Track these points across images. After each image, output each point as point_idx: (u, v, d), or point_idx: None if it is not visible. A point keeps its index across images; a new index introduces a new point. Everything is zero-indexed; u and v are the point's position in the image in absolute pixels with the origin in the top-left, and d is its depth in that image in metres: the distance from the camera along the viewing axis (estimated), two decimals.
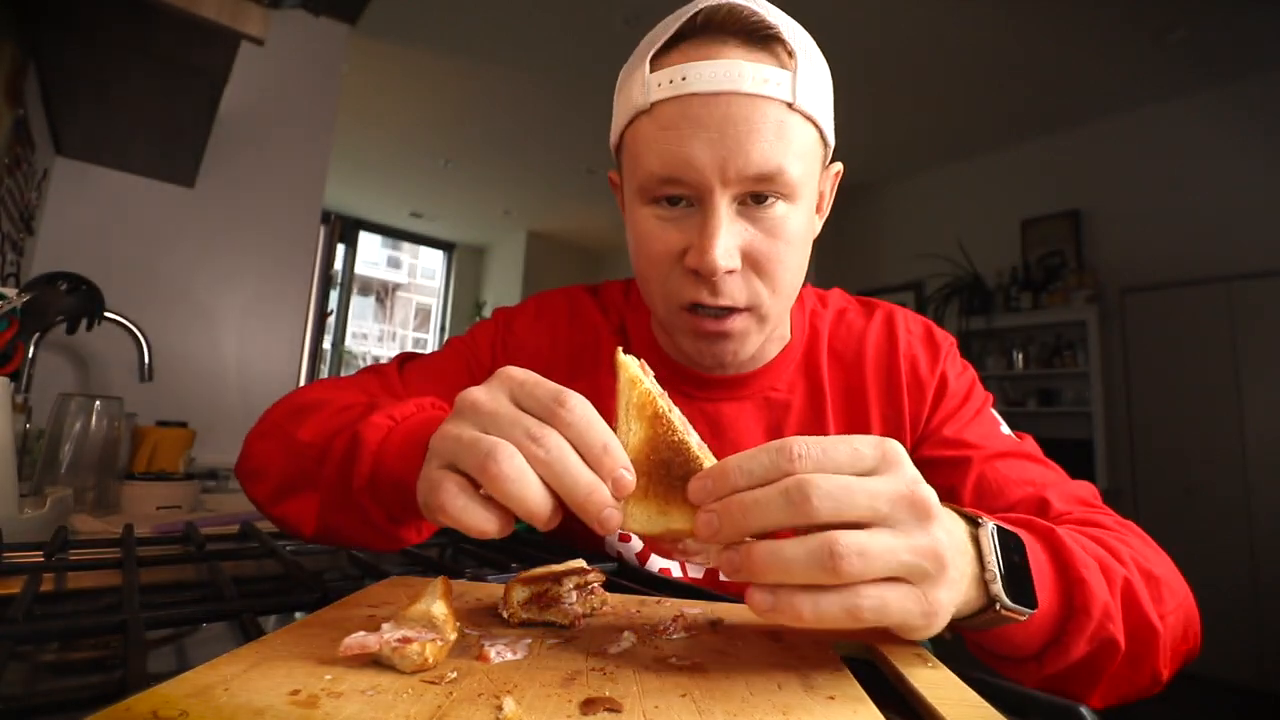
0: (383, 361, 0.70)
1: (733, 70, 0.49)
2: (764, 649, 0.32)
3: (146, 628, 0.32)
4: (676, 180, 0.51)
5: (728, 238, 0.50)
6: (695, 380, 0.64)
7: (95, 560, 0.48)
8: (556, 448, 0.31)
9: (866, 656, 0.32)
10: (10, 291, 0.95)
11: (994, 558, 0.34)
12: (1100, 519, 0.53)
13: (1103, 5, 2.78)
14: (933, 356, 0.64)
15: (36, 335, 1.21)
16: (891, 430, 0.62)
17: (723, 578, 0.31)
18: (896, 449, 0.30)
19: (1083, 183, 3.80)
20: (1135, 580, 0.43)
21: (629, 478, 0.32)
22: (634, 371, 0.34)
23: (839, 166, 0.62)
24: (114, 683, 0.26)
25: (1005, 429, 0.63)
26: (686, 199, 0.52)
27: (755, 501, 0.28)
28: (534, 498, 0.30)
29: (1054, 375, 3.78)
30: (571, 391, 0.33)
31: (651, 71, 0.52)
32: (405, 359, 0.68)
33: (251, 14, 0.88)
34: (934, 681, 0.27)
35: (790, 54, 0.51)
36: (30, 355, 1.26)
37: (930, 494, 0.30)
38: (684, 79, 0.50)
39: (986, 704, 0.25)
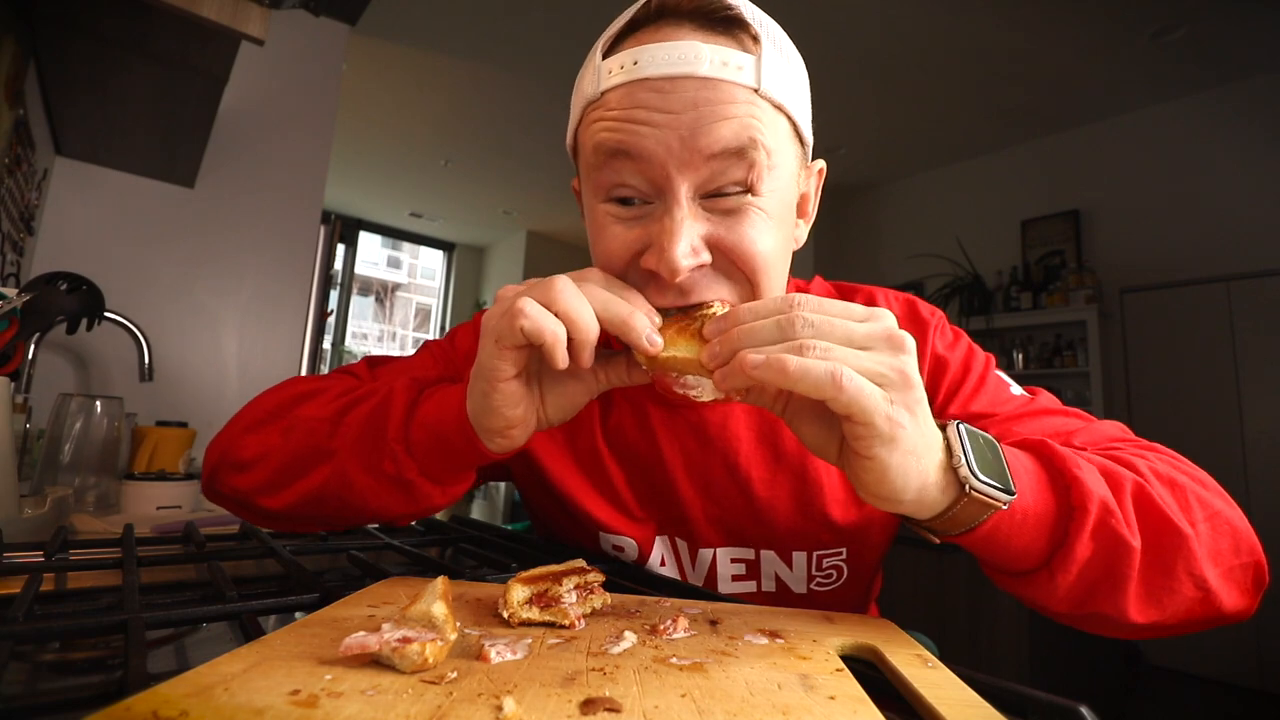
0: None
1: (688, 52, 0.44)
2: (764, 649, 0.32)
3: (146, 628, 0.32)
4: (630, 171, 0.46)
5: (690, 233, 0.44)
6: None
7: (95, 560, 0.48)
8: (600, 286, 0.43)
9: (866, 657, 0.32)
10: (10, 291, 0.95)
11: (959, 444, 0.38)
12: (1127, 449, 0.50)
13: (1103, 5, 2.78)
14: (920, 336, 0.60)
15: (36, 335, 1.21)
16: None
17: (715, 379, 0.38)
18: (888, 318, 0.37)
19: (1082, 183, 3.80)
20: (1154, 488, 0.42)
21: (656, 318, 0.43)
22: None
23: (821, 164, 0.57)
24: (114, 683, 0.26)
25: (1016, 388, 0.60)
26: (644, 197, 0.47)
27: (750, 329, 0.37)
28: (588, 314, 0.40)
29: (1054, 375, 3.77)
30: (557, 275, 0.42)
31: (604, 59, 0.47)
32: (374, 361, 0.68)
33: (251, 14, 0.88)
34: (934, 681, 0.27)
35: (754, 39, 0.46)
36: (30, 355, 1.26)
37: (905, 334, 0.37)
38: (635, 63, 0.45)
39: (986, 704, 0.25)
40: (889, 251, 4.70)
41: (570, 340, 0.40)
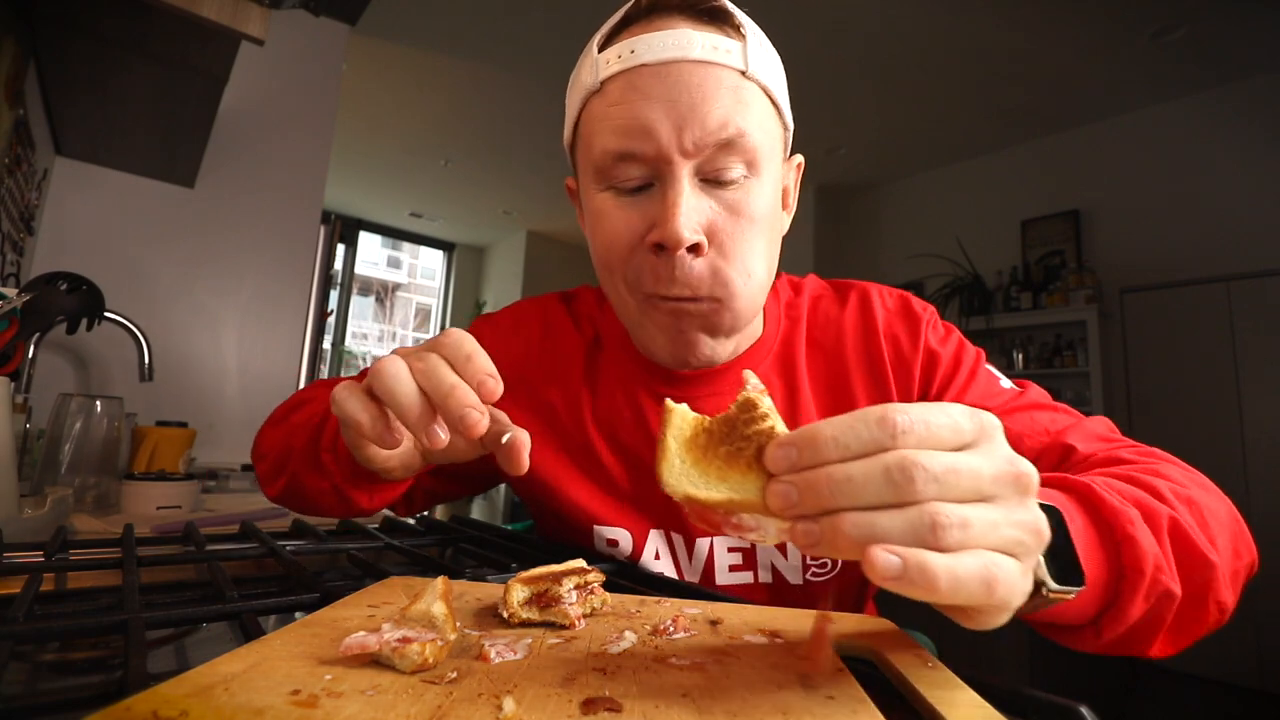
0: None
1: (681, 39, 0.47)
2: (764, 648, 0.32)
3: (146, 628, 0.32)
4: (632, 154, 0.48)
5: (691, 209, 0.47)
6: (671, 379, 0.62)
7: (95, 560, 0.48)
8: (432, 358, 0.36)
9: (866, 656, 0.32)
10: (10, 291, 0.95)
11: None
12: (1125, 455, 0.50)
13: (1103, 5, 2.78)
14: (913, 331, 0.61)
15: (36, 335, 1.21)
16: None
17: (794, 546, 0.27)
18: (992, 421, 0.27)
19: (1082, 183, 3.80)
20: (1181, 516, 0.40)
21: (493, 384, 0.36)
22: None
23: (800, 159, 0.60)
24: (114, 683, 0.26)
25: (1005, 382, 0.61)
26: (645, 181, 0.49)
27: (850, 478, 0.25)
28: (404, 391, 0.36)
29: (1054, 375, 3.77)
30: (452, 328, 0.39)
31: (600, 52, 0.50)
32: None
33: (251, 14, 0.88)
34: (934, 681, 0.27)
35: (738, 28, 0.49)
36: (30, 355, 1.26)
37: (1031, 469, 0.27)
38: (633, 52, 0.47)
39: (986, 704, 0.25)
40: (889, 251, 4.70)
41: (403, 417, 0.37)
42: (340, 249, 5.19)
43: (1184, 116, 3.46)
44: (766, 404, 0.29)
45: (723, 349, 0.56)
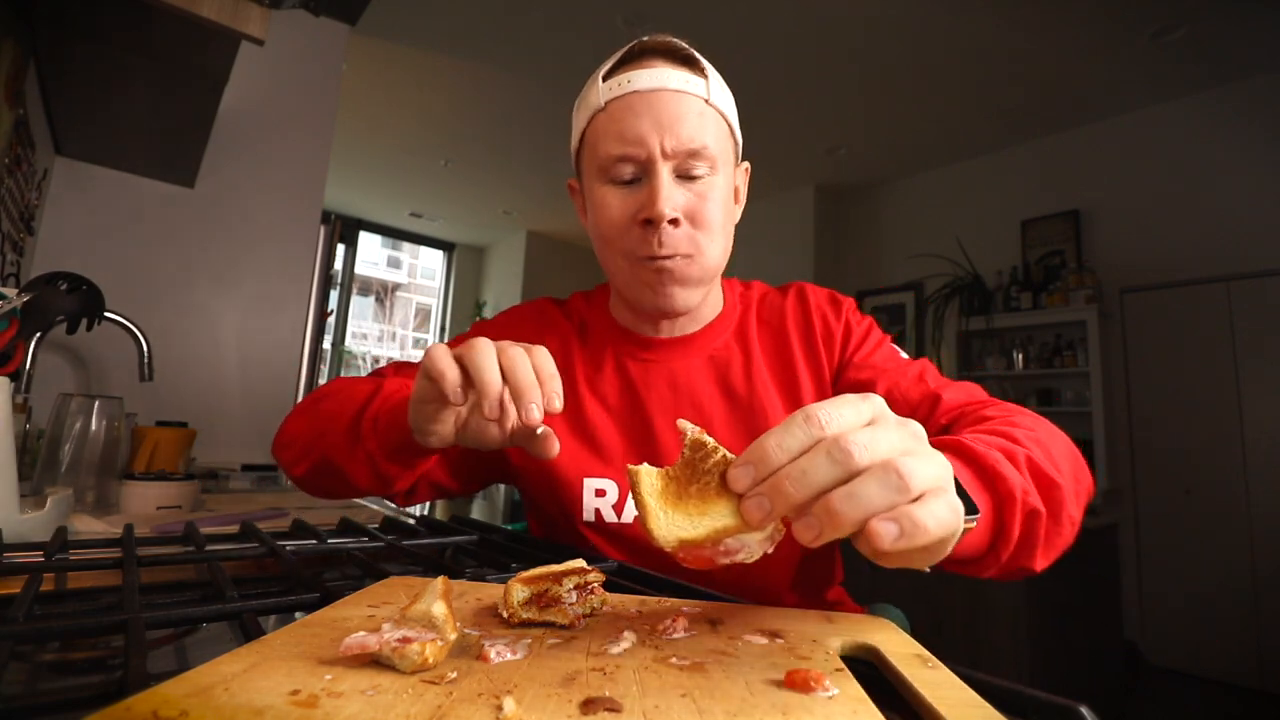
0: (381, 362, 0.81)
1: (662, 75, 0.65)
2: (764, 649, 0.32)
3: (146, 628, 0.32)
4: (628, 157, 0.65)
5: (670, 194, 0.64)
6: (649, 345, 0.76)
7: (95, 560, 0.48)
8: (520, 356, 0.46)
9: (866, 657, 0.32)
10: (10, 291, 0.95)
11: None
12: (988, 413, 0.63)
13: (1103, 5, 2.78)
14: (837, 312, 0.78)
15: (36, 335, 1.21)
16: (816, 377, 0.75)
17: (808, 542, 0.31)
18: (879, 400, 0.34)
19: (1082, 183, 3.80)
20: (1034, 452, 0.51)
21: (558, 403, 0.46)
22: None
23: (747, 165, 0.77)
24: (114, 683, 0.26)
25: (904, 355, 0.77)
26: (636, 176, 0.66)
27: (804, 471, 0.31)
28: (489, 368, 0.45)
29: (1054, 375, 3.78)
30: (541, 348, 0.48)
31: (604, 81, 0.67)
32: (399, 366, 0.80)
33: (251, 14, 0.88)
34: (934, 681, 0.27)
35: (702, 70, 0.68)
36: (30, 355, 1.26)
37: (919, 426, 0.35)
38: (629, 82, 0.65)
39: (986, 704, 0.25)
40: (889, 251, 4.69)
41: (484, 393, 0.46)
42: (340, 249, 5.19)
43: (1184, 116, 3.46)
44: (711, 440, 0.34)
45: (693, 297, 0.70)
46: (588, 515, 0.71)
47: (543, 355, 0.48)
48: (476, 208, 5.80)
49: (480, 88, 3.77)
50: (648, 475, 0.33)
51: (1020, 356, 3.89)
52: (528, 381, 0.45)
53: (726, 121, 0.69)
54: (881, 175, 4.68)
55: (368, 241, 6.43)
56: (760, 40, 3.16)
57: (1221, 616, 3.08)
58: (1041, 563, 0.51)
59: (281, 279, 1.97)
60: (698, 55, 0.69)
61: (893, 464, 0.30)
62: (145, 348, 1.32)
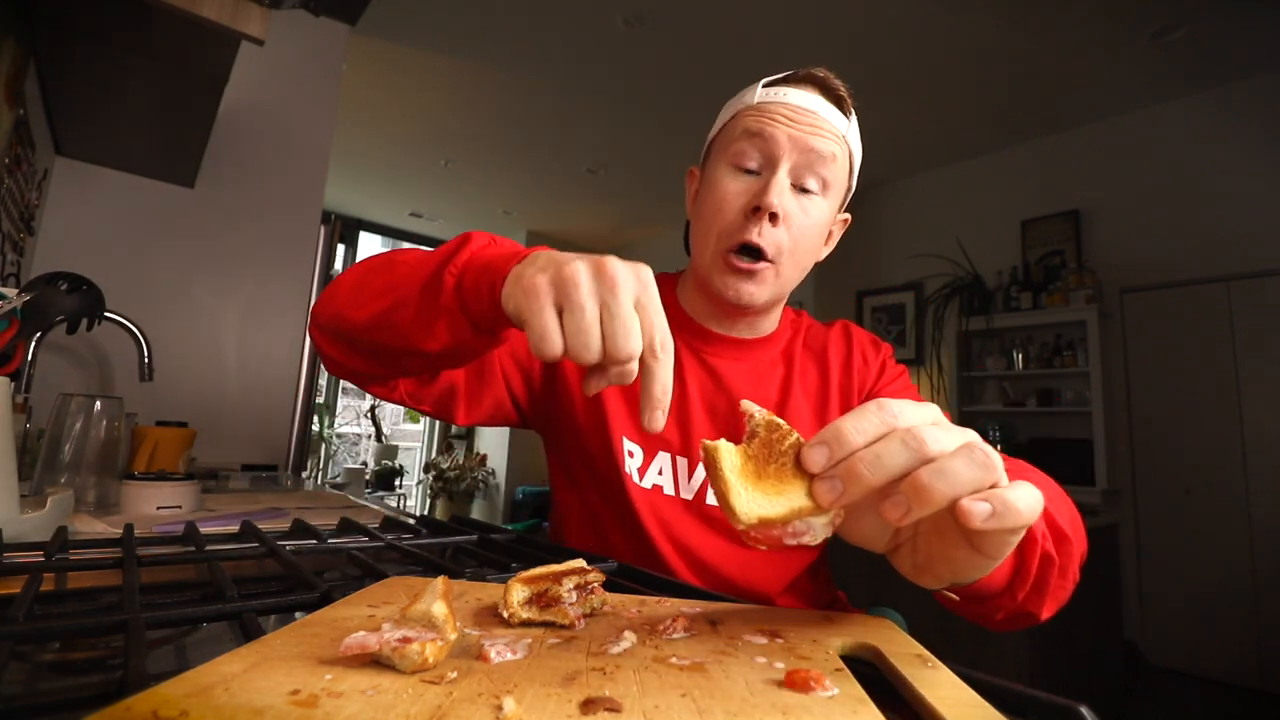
0: None
1: (814, 102, 0.72)
2: (764, 649, 0.32)
3: (147, 628, 0.32)
4: (758, 147, 0.70)
5: (782, 190, 0.69)
6: (707, 337, 0.81)
7: (95, 560, 0.48)
8: (626, 314, 0.39)
9: (866, 656, 0.32)
10: (10, 291, 0.95)
11: None
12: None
13: (1103, 5, 2.78)
14: (876, 352, 0.86)
15: (37, 335, 1.21)
16: (846, 406, 0.80)
17: (886, 511, 0.31)
18: (936, 408, 0.35)
19: (1082, 183, 3.80)
20: (1049, 505, 0.51)
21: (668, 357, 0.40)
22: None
23: (848, 216, 0.83)
24: (114, 683, 0.26)
25: (922, 399, 0.78)
26: (757, 170, 0.71)
27: (879, 455, 0.31)
28: (592, 331, 0.38)
29: (1054, 375, 3.77)
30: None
31: (763, 87, 0.74)
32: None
33: (251, 14, 0.88)
34: (934, 681, 0.27)
35: (848, 112, 0.75)
36: (30, 355, 1.26)
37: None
38: (784, 95, 0.72)
39: (986, 704, 0.25)
40: (889, 251, 4.69)
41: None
42: (340, 249, 5.18)
43: (1184, 116, 3.46)
44: (785, 423, 0.34)
45: (760, 295, 0.74)
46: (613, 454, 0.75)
47: (656, 309, 0.40)
48: (476, 208, 5.80)
49: (480, 88, 3.77)
50: (728, 452, 0.33)
51: (1020, 356, 3.88)
52: (626, 354, 0.38)
53: (850, 162, 0.76)
54: (881, 175, 4.68)
55: (368, 241, 6.43)
56: (760, 41, 3.15)
57: (1221, 616, 3.08)
58: (1047, 611, 0.51)
59: (281, 279, 1.97)
60: (848, 98, 0.75)
61: (975, 446, 0.31)
62: (145, 348, 1.32)
